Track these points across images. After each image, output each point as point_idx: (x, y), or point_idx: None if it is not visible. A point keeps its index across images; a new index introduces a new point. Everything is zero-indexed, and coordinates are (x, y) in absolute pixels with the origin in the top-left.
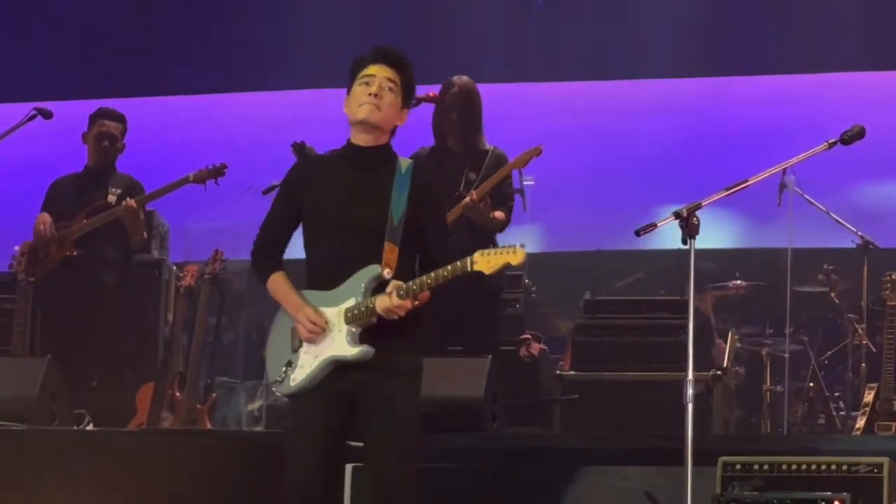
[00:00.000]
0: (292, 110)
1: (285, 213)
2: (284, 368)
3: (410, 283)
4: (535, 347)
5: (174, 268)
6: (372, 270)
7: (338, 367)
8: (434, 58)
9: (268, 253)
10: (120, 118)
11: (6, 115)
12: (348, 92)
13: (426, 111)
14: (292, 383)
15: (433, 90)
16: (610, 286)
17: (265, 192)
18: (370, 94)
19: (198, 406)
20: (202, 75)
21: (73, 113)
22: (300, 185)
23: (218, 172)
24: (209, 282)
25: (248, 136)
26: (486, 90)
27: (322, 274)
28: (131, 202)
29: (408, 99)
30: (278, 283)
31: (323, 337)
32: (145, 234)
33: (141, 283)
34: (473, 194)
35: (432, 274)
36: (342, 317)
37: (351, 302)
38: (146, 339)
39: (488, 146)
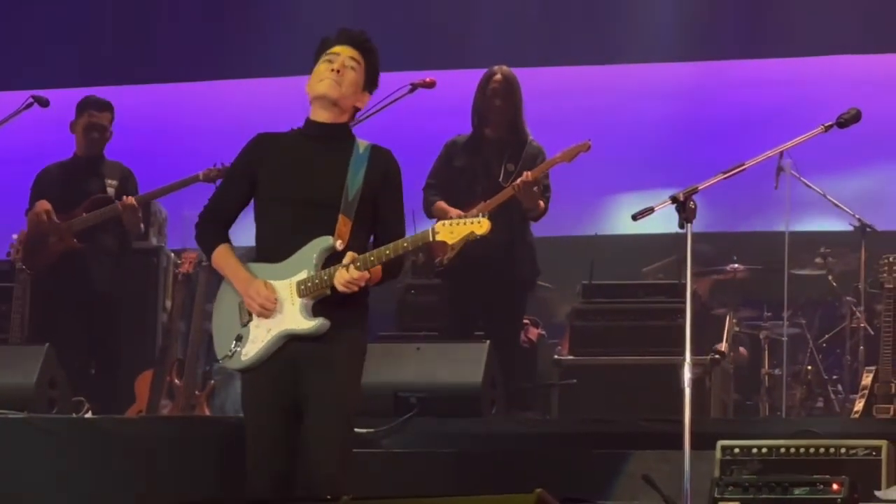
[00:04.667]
0: (293, 97)
1: (237, 188)
2: (234, 343)
3: (367, 254)
4: (534, 332)
5: (172, 255)
6: (323, 241)
7: (289, 341)
8: (430, 44)
9: (214, 225)
10: (107, 107)
11: (2, 103)
12: (317, 59)
13: (425, 97)
14: (244, 357)
15: (429, 76)
16: (609, 271)
17: None
18: (332, 70)
19: (196, 393)
20: (198, 63)
21: (70, 101)
22: (255, 159)
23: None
24: (207, 269)
25: (246, 123)
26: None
27: (271, 247)
28: (131, 200)
29: (371, 83)
30: (224, 257)
31: (275, 310)
32: (142, 227)
33: (138, 270)
34: (528, 175)
35: (391, 245)
36: (294, 290)
37: (303, 274)
38: (144, 327)
39: (528, 137)
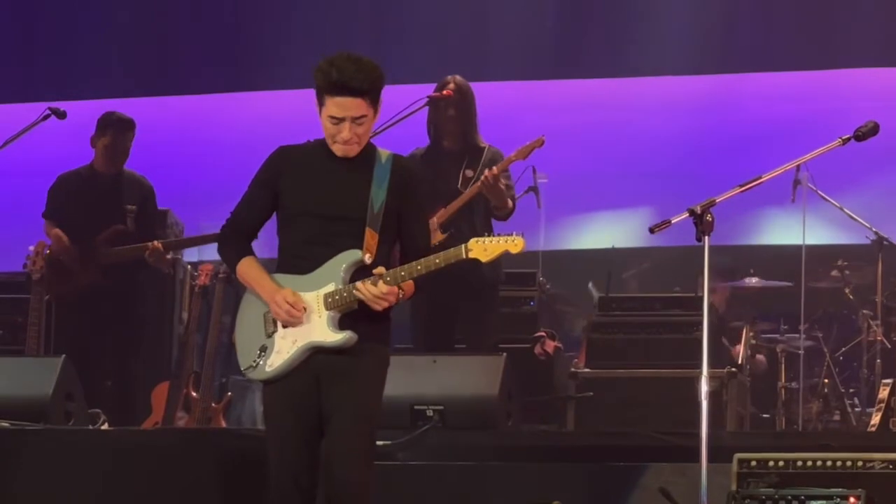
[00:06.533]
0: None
1: (259, 200)
2: (259, 353)
3: (398, 269)
4: (550, 345)
5: (188, 267)
6: (352, 255)
7: (314, 352)
8: (446, 57)
9: (237, 238)
10: (129, 126)
11: (21, 115)
12: (319, 99)
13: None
14: (269, 369)
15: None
16: (623, 283)
17: None
18: (343, 140)
19: (213, 405)
20: (218, 74)
21: (87, 113)
22: (278, 172)
23: None
24: (223, 281)
25: (265, 135)
26: (500, 88)
27: (295, 259)
28: (158, 245)
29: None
30: (249, 268)
31: (301, 321)
32: (169, 258)
33: (155, 282)
34: (494, 170)
35: (422, 261)
36: (322, 302)
37: (330, 287)
38: (161, 339)
39: (484, 144)
